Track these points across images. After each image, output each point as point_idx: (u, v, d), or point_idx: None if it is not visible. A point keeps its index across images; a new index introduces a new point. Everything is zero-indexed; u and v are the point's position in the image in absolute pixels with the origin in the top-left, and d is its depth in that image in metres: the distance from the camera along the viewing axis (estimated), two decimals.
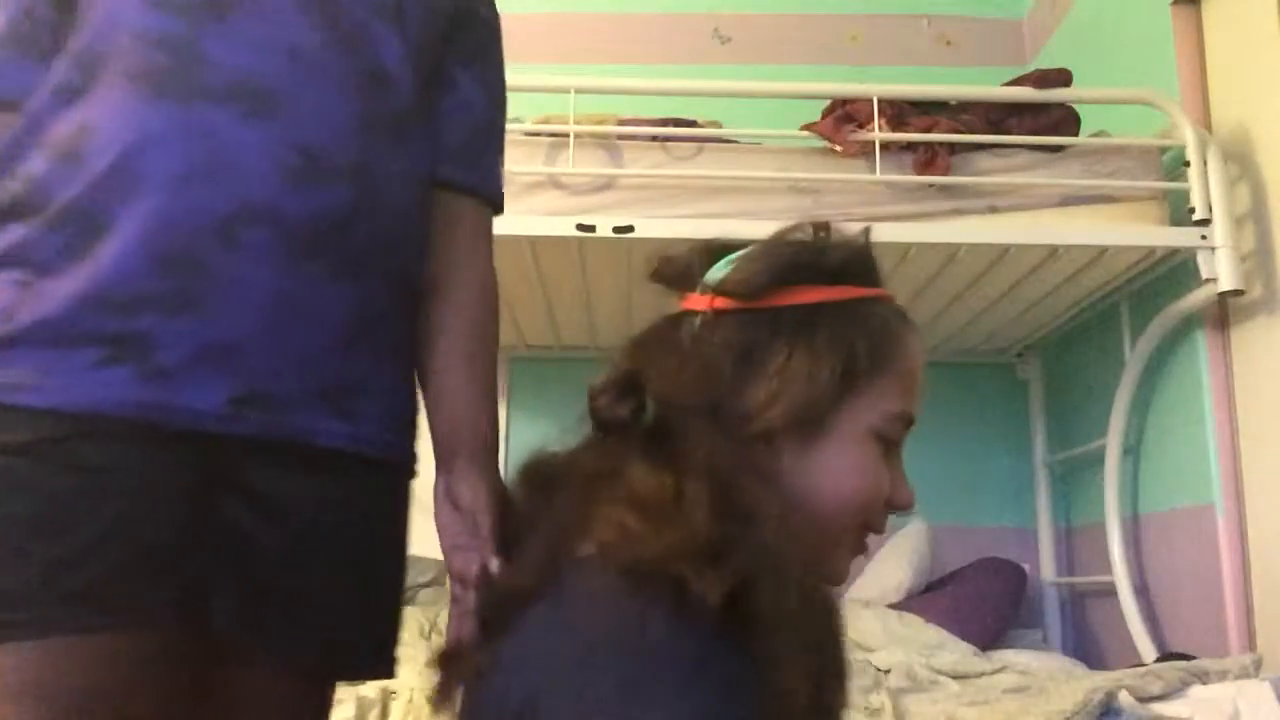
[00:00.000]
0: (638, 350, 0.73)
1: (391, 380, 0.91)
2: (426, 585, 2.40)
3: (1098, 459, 2.50)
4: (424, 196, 0.95)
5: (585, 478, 0.68)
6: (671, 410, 0.67)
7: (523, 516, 0.74)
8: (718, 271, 0.73)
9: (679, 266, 0.76)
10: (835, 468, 0.69)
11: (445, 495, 0.90)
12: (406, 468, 0.94)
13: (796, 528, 0.64)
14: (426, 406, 0.95)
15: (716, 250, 0.76)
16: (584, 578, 0.62)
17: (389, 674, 0.92)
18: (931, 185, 2.15)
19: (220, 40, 0.83)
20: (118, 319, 0.77)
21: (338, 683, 0.93)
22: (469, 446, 0.91)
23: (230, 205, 0.80)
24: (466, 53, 1.00)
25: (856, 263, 0.78)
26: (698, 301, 0.73)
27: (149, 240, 0.78)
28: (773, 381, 0.68)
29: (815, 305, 0.72)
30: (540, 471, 0.75)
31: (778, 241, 0.75)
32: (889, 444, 0.72)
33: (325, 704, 0.92)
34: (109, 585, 0.74)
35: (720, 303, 0.71)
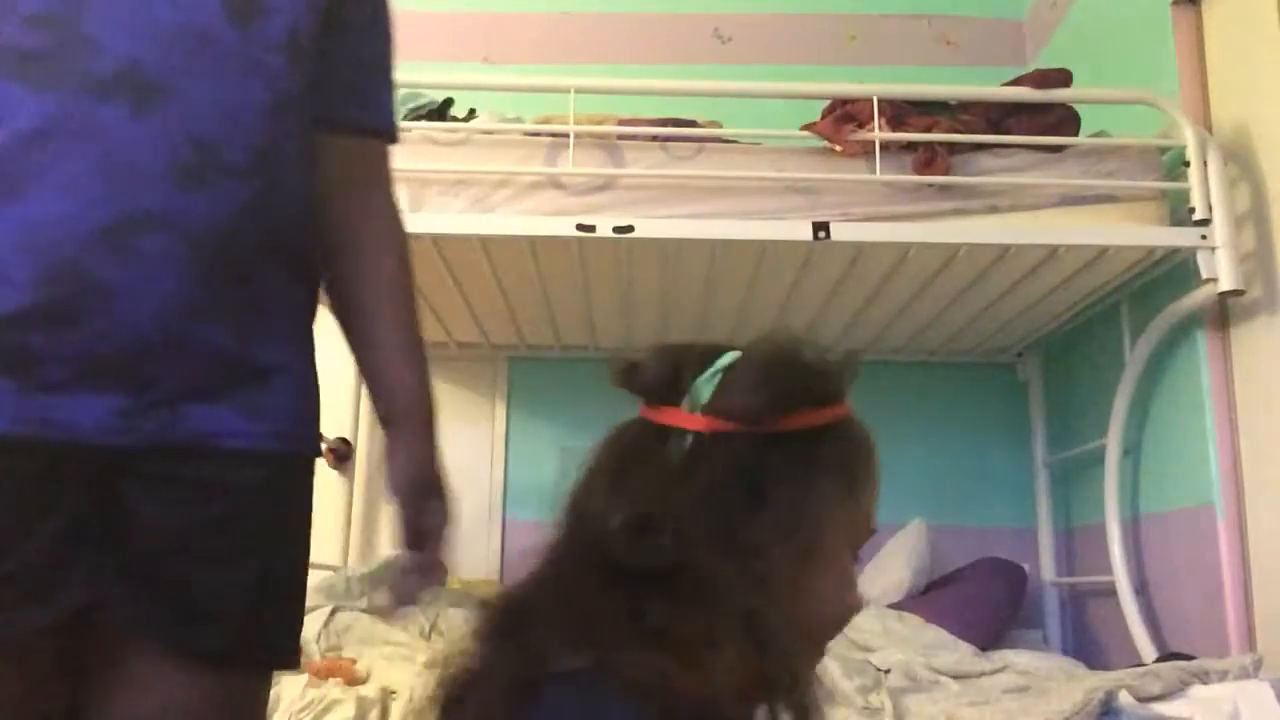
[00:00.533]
0: (626, 471, 0.68)
1: (295, 372, 0.89)
2: None
3: (1098, 459, 2.50)
4: (312, 162, 0.92)
5: (586, 615, 0.64)
6: (687, 543, 0.65)
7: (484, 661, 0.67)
8: (706, 387, 0.70)
9: (656, 376, 0.71)
10: (827, 586, 0.70)
11: (394, 458, 0.95)
12: (309, 457, 0.93)
13: (805, 652, 0.66)
14: (362, 374, 1.00)
15: (690, 359, 0.72)
16: (589, 697, 0.61)
17: (293, 664, 0.91)
18: (931, 185, 2.15)
19: (105, 21, 0.77)
20: (2, 335, 0.75)
21: (247, 673, 0.89)
22: (408, 410, 0.97)
23: (121, 211, 0.76)
24: None
25: (843, 381, 0.78)
26: (689, 420, 0.69)
27: (31, 249, 0.74)
28: (782, 512, 0.67)
29: (816, 429, 0.72)
30: (509, 610, 0.69)
31: (771, 361, 0.73)
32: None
33: (239, 697, 0.88)
34: None
35: (719, 425, 0.68)
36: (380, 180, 1.03)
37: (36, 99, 0.75)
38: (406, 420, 0.97)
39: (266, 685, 0.92)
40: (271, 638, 0.87)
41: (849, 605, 0.72)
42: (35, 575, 0.75)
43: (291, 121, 0.87)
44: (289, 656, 0.90)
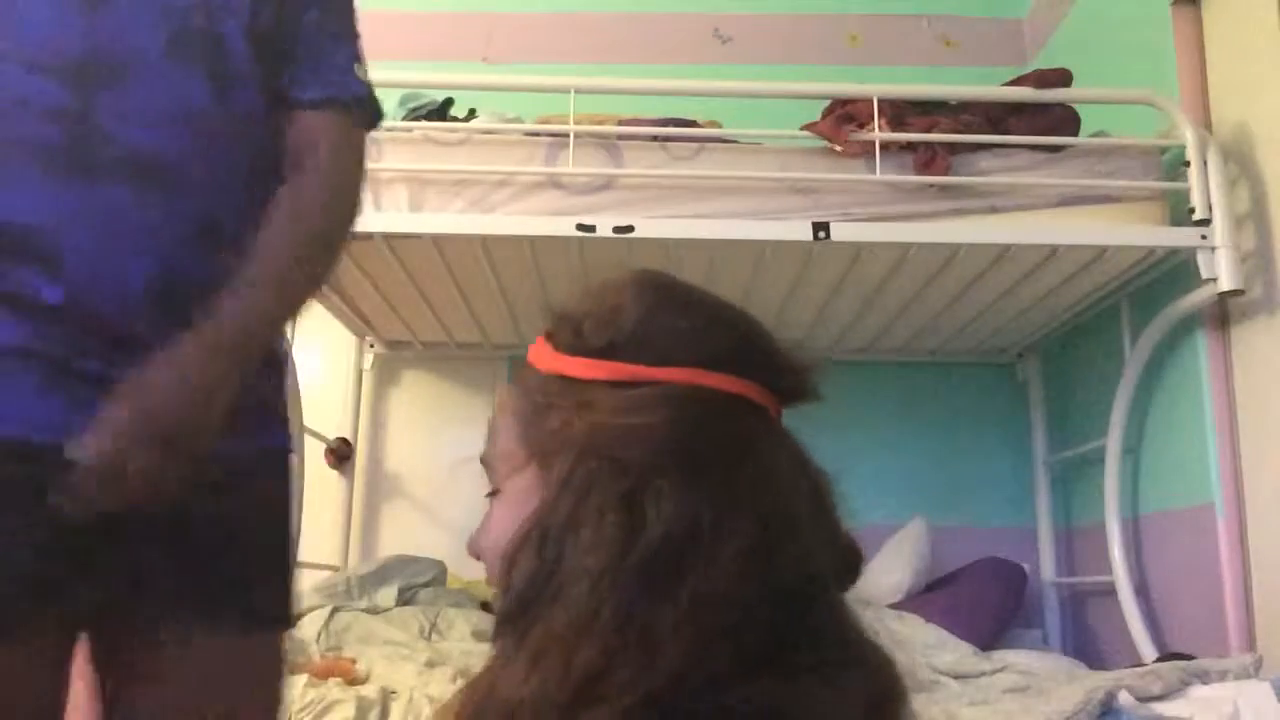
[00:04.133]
0: None
1: (257, 389, 0.97)
2: (426, 585, 2.41)
3: (1098, 459, 2.50)
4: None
5: None
6: None
7: None
8: None
9: None
10: None
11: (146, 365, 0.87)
12: (281, 451, 1.04)
13: None
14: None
15: None
16: None
17: (289, 624, 1.04)
18: (931, 185, 2.15)
19: (112, 113, 0.86)
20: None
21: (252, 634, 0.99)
22: (198, 327, 0.88)
23: (136, 280, 0.87)
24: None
25: None
26: None
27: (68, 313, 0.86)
28: None
29: None
30: None
31: None
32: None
33: (274, 651, 1.01)
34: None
35: None
36: (345, 150, 1.02)
37: (58, 185, 0.85)
38: (186, 337, 0.88)
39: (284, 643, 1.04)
40: (285, 600, 1.02)
41: None
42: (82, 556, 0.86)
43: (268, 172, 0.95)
44: (289, 619, 1.04)
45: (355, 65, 1.04)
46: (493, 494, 0.67)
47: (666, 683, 0.54)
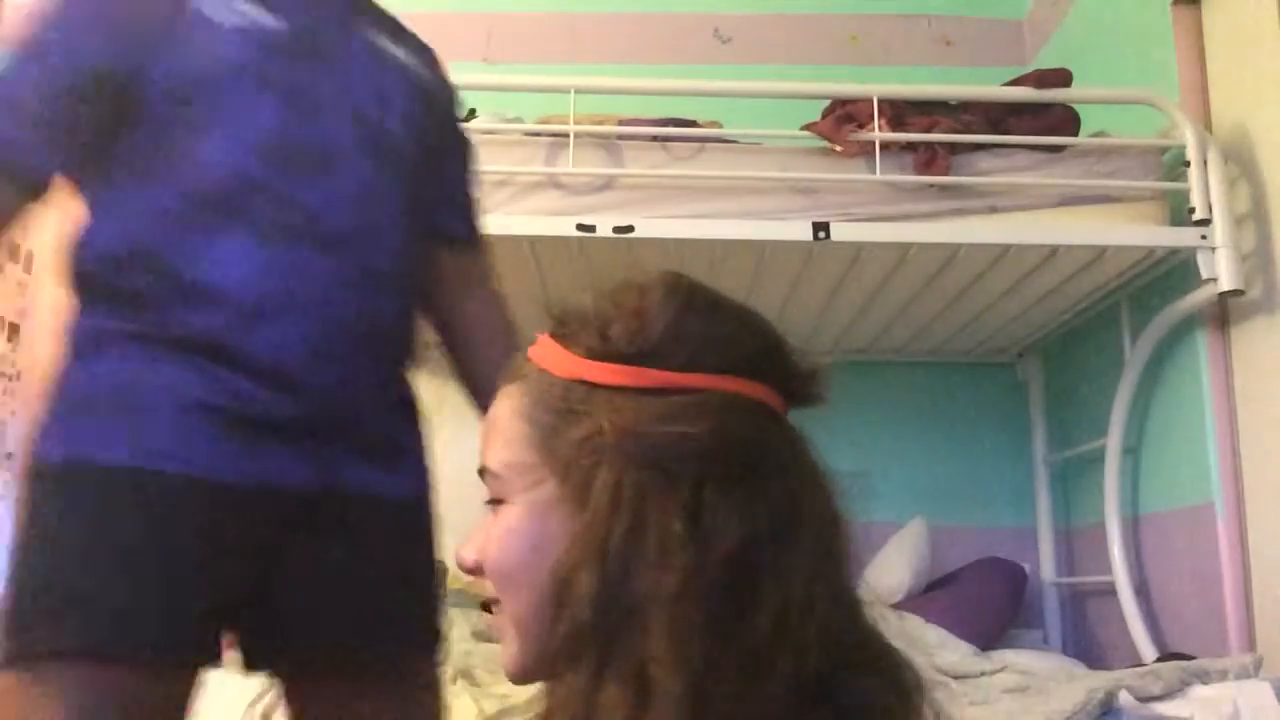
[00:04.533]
0: None
1: (410, 437, 1.15)
2: None
3: (1098, 459, 2.50)
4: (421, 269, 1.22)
5: None
6: None
7: None
8: None
9: None
10: None
11: None
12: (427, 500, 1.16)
13: None
14: None
15: None
16: None
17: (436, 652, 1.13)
18: (931, 185, 2.15)
19: (316, 193, 1.04)
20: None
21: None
22: None
23: (317, 327, 1.02)
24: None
25: None
26: None
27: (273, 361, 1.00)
28: None
29: None
30: None
31: None
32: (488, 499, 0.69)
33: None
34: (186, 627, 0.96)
35: None
36: (486, 278, 1.29)
37: (264, 250, 1.01)
38: None
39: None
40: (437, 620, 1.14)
41: None
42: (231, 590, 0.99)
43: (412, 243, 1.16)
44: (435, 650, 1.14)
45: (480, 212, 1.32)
46: (495, 504, 0.65)
47: (771, 694, 0.54)
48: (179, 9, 1.02)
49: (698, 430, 0.58)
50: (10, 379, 2.79)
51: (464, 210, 1.29)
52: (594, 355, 0.62)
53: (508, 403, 0.65)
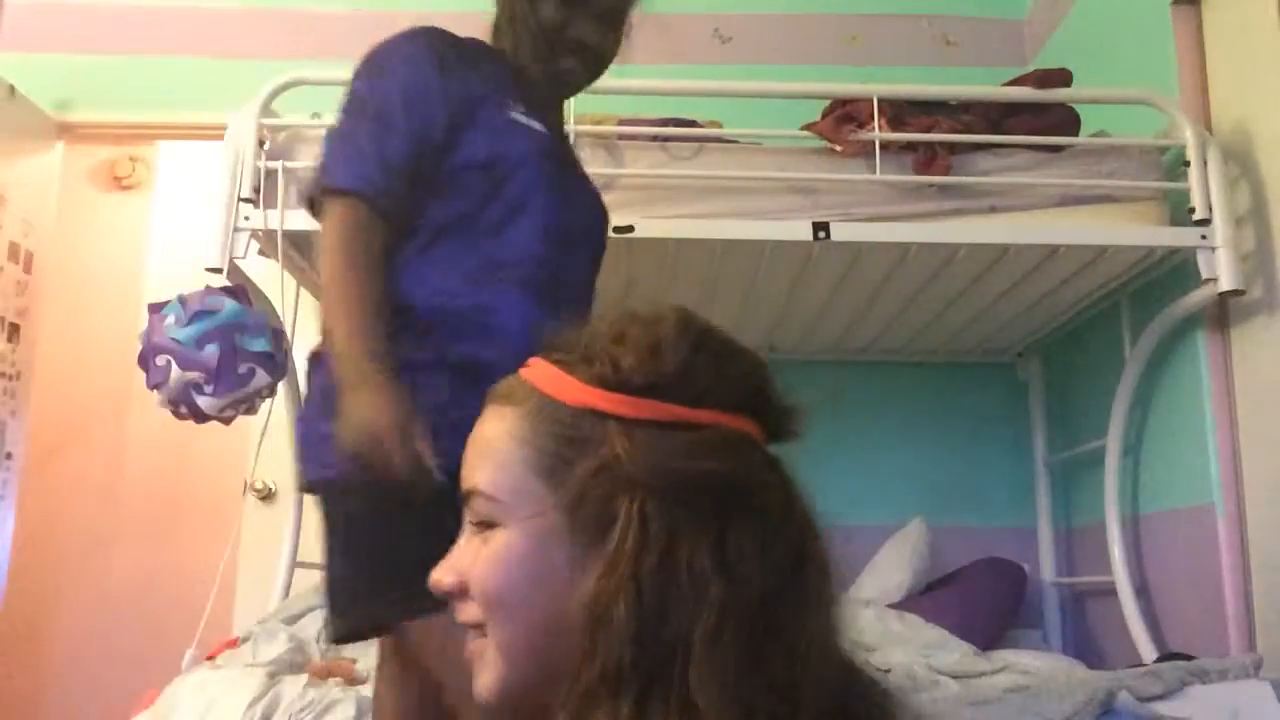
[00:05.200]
0: None
1: None
2: None
3: (1098, 459, 2.50)
4: None
5: None
6: None
7: None
8: None
9: None
10: None
11: None
12: None
13: None
14: None
15: None
16: None
17: None
18: (931, 185, 2.15)
19: (571, 265, 1.38)
20: None
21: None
22: None
23: None
24: None
25: None
26: None
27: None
28: None
29: None
30: None
31: None
32: (471, 521, 0.66)
33: None
34: None
35: None
36: None
37: (538, 308, 1.28)
38: None
39: None
40: None
41: None
42: None
43: None
44: None
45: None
46: (483, 526, 0.63)
47: (810, 715, 0.56)
48: (484, 102, 1.33)
49: (718, 466, 0.60)
50: (10, 379, 2.79)
51: None
52: (606, 385, 0.62)
53: (501, 425, 0.64)
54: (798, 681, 0.56)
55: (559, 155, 1.42)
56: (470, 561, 0.63)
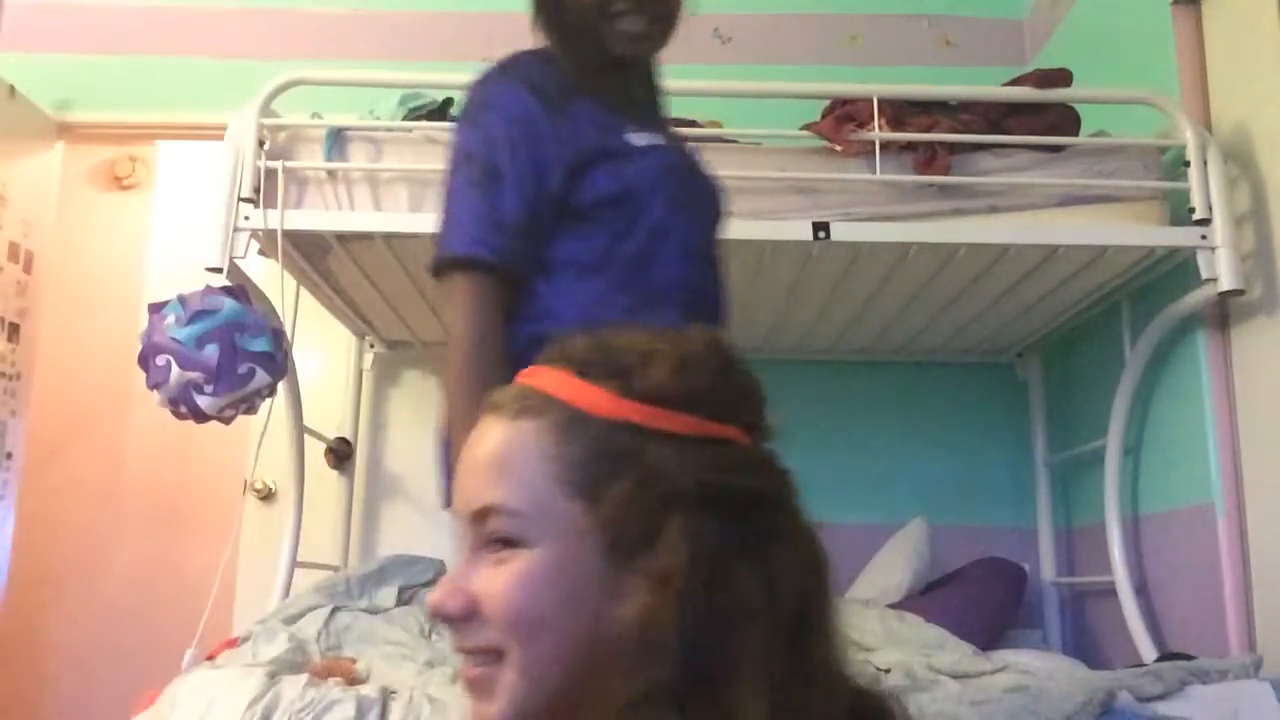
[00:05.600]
0: None
1: None
2: (426, 585, 2.40)
3: (1098, 459, 2.50)
4: None
5: None
6: None
7: None
8: None
9: None
10: None
11: None
12: None
13: None
14: None
15: None
16: None
17: None
18: (931, 185, 2.15)
19: (711, 277, 1.39)
20: None
21: None
22: None
23: None
24: None
25: None
26: None
27: None
28: None
29: None
30: None
31: None
32: (476, 542, 0.63)
33: None
34: None
35: None
36: None
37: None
38: None
39: None
40: None
41: None
42: None
43: None
44: None
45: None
46: (499, 545, 0.60)
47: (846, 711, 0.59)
48: (600, 132, 1.29)
49: (759, 483, 0.60)
50: (10, 379, 2.79)
51: None
52: (642, 398, 0.60)
53: (520, 439, 0.61)
54: (824, 698, 0.57)
55: (678, 162, 1.39)
56: (484, 583, 0.60)
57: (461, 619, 0.60)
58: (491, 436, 0.62)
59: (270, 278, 2.25)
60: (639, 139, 1.32)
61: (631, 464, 0.59)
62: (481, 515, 0.61)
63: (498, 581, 0.59)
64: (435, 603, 0.61)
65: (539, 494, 0.59)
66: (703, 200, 1.43)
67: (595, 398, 0.61)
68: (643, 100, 1.42)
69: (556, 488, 0.59)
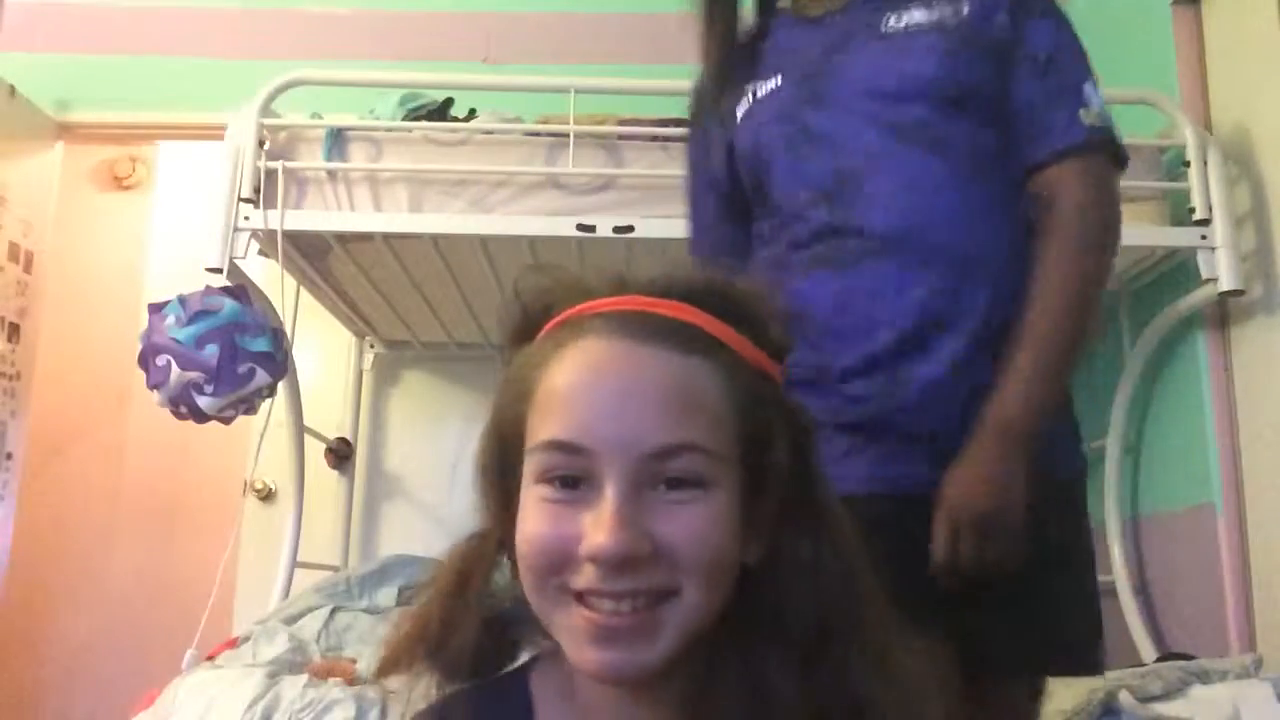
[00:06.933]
0: None
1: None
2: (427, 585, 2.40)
3: (1098, 459, 2.50)
4: None
5: None
6: None
7: None
8: None
9: None
10: (518, 524, 0.62)
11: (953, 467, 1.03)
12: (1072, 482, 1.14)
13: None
14: None
15: None
16: None
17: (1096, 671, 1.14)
18: None
19: (854, 208, 1.11)
20: None
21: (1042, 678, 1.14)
22: (984, 419, 1.02)
23: (883, 341, 1.08)
24: None
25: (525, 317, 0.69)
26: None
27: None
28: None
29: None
30: None
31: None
32: (564, 482, 0.59)
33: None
34: None
35: None
36: (1051, 203, 1.22)
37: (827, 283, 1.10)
38: (979, 429, 1.02)
39: None
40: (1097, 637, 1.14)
41: (536, 545, 0.59)
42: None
43: None
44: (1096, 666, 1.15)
45: (1080, 113, 1.15)
46: (680, 485, 0.58)
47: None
48: (728, 121, 1.22)
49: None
50: (10, 379, 2.79)
51: (1033, 133, 1.26)
52: (771, 351, 0.65)
53: (701, 376, 0.60)
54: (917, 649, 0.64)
55: (799, 92, 1.17)
56: (667, 523, 0.57)
57: (634, 562, 0.57)
58: (657, 368, 0.59)
59: (270, 278, 2.25)
60: (750, 98, 1.28)
61: (772, 412, 0.62)
62: (666, 453, 0.58)
63: (693, 522, 0.57)
64: (623, 546, 0.56)
65: (729, 435, 0.60)
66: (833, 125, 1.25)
67: (744, 345, 0.63)
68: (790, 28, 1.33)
69: (730, 429, 0.60)
